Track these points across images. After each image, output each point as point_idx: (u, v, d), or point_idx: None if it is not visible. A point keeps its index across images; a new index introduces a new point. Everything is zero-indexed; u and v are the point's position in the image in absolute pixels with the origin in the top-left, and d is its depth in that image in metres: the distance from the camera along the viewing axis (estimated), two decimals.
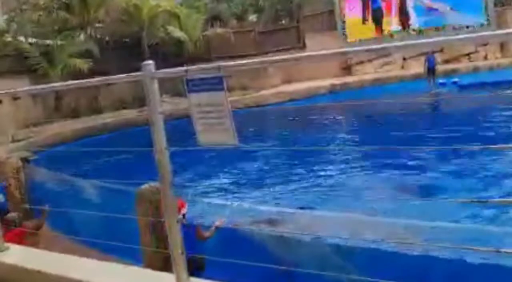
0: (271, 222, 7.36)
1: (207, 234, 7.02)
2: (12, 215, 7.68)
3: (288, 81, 25.91)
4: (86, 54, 21.99)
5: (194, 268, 5.53)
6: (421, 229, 6.04)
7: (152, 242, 6.22)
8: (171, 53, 24.27)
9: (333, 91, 23.81)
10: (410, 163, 11.43)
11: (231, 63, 2.95)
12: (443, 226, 6.18)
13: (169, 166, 2.87)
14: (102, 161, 13.94)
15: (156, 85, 2.90)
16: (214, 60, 24.20)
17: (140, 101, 20.02)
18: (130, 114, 21.15)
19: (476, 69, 24.43)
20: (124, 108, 22.24)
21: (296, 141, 15.45)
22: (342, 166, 12.01)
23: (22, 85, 18.89)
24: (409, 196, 9.18)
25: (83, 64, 21.20)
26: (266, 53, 25.19)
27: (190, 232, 6.70)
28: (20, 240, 6.14)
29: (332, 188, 10.41)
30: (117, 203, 8.17)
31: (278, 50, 25.42)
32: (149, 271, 3.55)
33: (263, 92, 23.98)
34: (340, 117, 19.43)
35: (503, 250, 2.58)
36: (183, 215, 6.74)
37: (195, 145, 2.92)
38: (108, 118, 21.05)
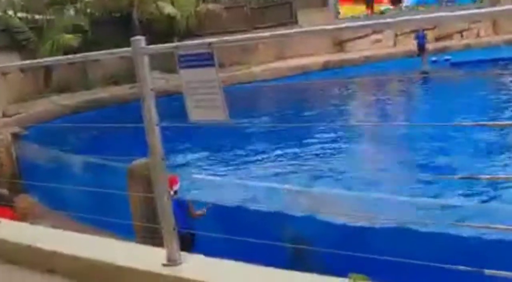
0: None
1: (198, 212, 7.05)
2: (1, 190, 7.68)
3: (280, 57, 25.77)
4: (76, 29, 21.75)
5: (184, 244, 5.58)
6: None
7: (143, 217, 6.25)
8: (162, 29, 24.03)
9: (326, 68, 23.74)
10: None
11: (222, 39, 2.95)
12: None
13: (160, 142, 2.88)
14: (93, 136, 13.90)
15: (146, 61, 2.90)
16: (206, 36, 23.99)
17: (132, 76, 19.85)
18: (121, 90, 21.00)
19: (468, 47, 24.40)
20: (115, 83, 22.08)
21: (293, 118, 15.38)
22: (338, 142, 12.04)
23: (11, 61, 18.70)
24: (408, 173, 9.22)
25: (73, 39, 20.98)
26: (259, 29, 25.01)
27: (182, 208, 6.73)
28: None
29: (328, 165, 10.43)
30: (109, 179, 8.18)
31: (270, 26, 25.23)
32: (141, 246, 3.58)
33: (254, 68, 23.86)
34: (332, 94, 19.44)
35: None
36: (175, 191, 6.77)
37: (186, 121, 2.93)
38: (98, 93, 20.91)
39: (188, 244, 5.97)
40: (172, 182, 6.78)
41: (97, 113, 17.57)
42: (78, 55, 3.69)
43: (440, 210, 6.28)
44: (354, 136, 12.54)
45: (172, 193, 6.70)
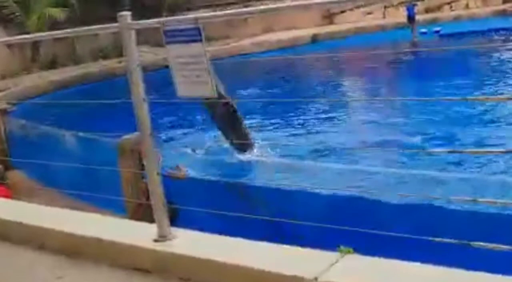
0: None
1: (180, 174, 7.00)
2: None
3: (268, 30, 25.59)
4: (62, 2, 21.44)
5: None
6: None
7: (134, 193, 6.24)
8: (151, 3, 23.76)
9: (315, 40, 23.62)
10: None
11: (208, 14, 2.94)
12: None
13: (148, 117, 2.88)
14: (82, 112, 13.81)
15: (133, 36, 2.88)
16: (196, 9, 23.76)
17: (119, 50, 19.71)
18: (109, 64, 20.85)
19: (457, 18, 24.35)
20: (103, 58, 21.90)
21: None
22: (330, 118, 12.02)
23: None
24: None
25: (59, 13, 20.71)
26: (246, 1, 24.78)
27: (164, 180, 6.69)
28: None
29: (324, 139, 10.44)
30: (98, 154, 8.16)
31: None
32: (132, 222, 3.61)
33: (243, 42, 23.71)
34: (321, 67, 19.37)
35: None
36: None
37: (174, 96, 2.92)
38: (87, 68, 20.75)
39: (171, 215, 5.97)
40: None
41: (86, 88, 17.45)
42: (66, 30, 3.66)
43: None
44: (338, 110, 12.50)
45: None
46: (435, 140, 9.38)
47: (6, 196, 6.56)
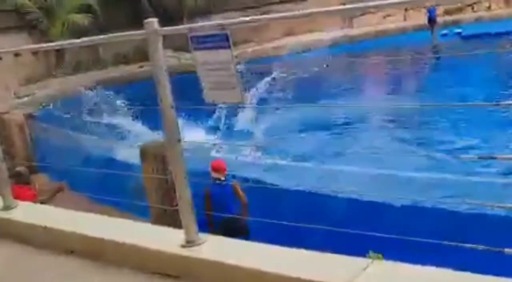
0: None
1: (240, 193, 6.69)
2: (20, 168, 7.75)
3: (289, 33, 25.56)
4: (85, 8, 21.68)
5: (233, 231, 5.54)
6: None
7: (158, 198, 6.27)
8: (172, 7, 23.89)
9: (335, 43, 23.55)
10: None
11: (234, 20, 2.94)
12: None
13: (175, 124, 2.88)
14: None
15: (160, 42, 2.87)
16: (216, 13, 23.84)
17: (140, 55, 19.86)
18: (131, 69, 21.04)
19: (479, 20, 24.07)
20: (125, 63, 22.10)
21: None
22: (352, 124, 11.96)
23: (21, 41, 18.72)
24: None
25: (83, 19, 20.94)
26: (269, 4, 24.79)
27: (226, 191, 6.56)
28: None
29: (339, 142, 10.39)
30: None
31: (280, 2, 25.01)
32: (159, 227, 3.60)
33: (265, 45, 23.73)
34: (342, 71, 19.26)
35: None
36: (219, 178, 6.61)
37: (200, 100, 2.92)
38: (110, 73, 20.95)
39: (238, 231, 5.88)
40: (223, 168, 6.69)
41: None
42: (92, 38, 3.70)
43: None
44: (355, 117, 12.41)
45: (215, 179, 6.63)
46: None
47: (32, 198, 6.65)
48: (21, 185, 6.87)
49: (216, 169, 6.63)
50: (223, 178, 6.61)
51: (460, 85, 13.63)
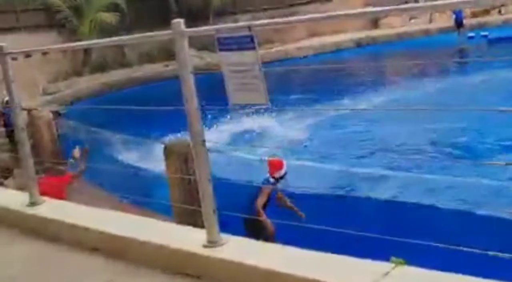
0: None
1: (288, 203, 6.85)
2: (48, 165, 7.92)
3: (313, 34, 25.51)
4: (113, 7, 21.90)
5: (260, 232, 5.57)
6: None
7: (181, 197, 6.28)
8: (197, 6, 24.01)
9: (359, 45, 23.44)
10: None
11: (261, 22, 2.94)
12: None
13: (200, 124, 2.88)
14: (132, 114, 13.99)
15: (186, 43, 2.86)
16: (241, 13, 23.90)
17: (165, 54, 20.00)
18: (157, 68, 21.21)
19: (506, 22, 23.72)
20: (150, 62, 22.27)
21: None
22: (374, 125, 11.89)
23: (50, 39, 18.98)
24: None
25: (111, 17, 21.15)
26: (293, 5, 24.78)
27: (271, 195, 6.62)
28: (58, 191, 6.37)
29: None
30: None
31: (305, 3, 24.98)
32: (182, 227, 3.61)
33: (288, 46, 23.71)
34: (363, 73, 19.13)
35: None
36: (277, 178, 6.68)
37: (227, 102, 2.92)
38: (136, 71, 21.14)
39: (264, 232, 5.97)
40: (279, 166, 6.73)
41: (135, 91, 17.75)
42: (120, 38, 3.75)
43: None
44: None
45: (272, 179, 6.69)
46: None
47: (71, 180, 7.33)
48: (57, 175, 7.23)
49: (275, 167, 6.67)
50: (282, 174, 6.64)
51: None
